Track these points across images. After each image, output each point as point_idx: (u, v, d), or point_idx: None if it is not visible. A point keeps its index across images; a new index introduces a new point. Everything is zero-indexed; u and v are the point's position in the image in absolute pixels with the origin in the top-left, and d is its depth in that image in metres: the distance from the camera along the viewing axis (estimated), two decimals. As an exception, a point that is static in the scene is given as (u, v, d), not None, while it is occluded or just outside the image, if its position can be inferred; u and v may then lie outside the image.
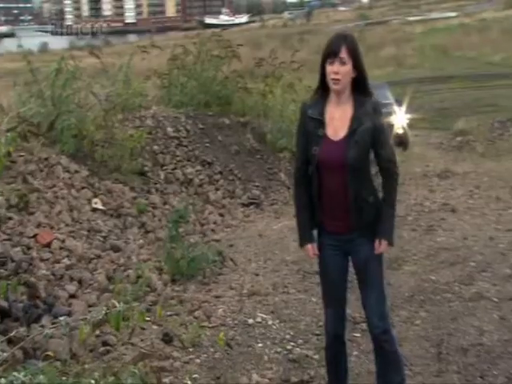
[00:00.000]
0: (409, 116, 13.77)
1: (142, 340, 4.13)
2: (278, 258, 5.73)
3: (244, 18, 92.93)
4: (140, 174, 7.63)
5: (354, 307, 4.51)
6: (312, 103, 2.98)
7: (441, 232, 6.22)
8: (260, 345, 4.03)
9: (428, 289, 4.72)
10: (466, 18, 55.67)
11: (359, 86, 2.90)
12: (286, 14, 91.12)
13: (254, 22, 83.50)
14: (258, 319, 4.36)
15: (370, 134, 2.87)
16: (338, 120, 2.91)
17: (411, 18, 60.73)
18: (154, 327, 4.26)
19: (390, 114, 13.94)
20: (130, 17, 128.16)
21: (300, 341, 4.05)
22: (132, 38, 77.37)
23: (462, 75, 27.10)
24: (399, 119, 13.39)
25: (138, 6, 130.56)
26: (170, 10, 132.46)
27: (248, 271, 5.37)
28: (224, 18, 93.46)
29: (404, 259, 5.36)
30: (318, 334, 4.11)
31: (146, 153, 8.01)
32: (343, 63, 2.82)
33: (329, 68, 2.84)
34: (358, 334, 4.09)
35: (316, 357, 3.81)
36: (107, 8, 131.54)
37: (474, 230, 6.25)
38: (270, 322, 4.32)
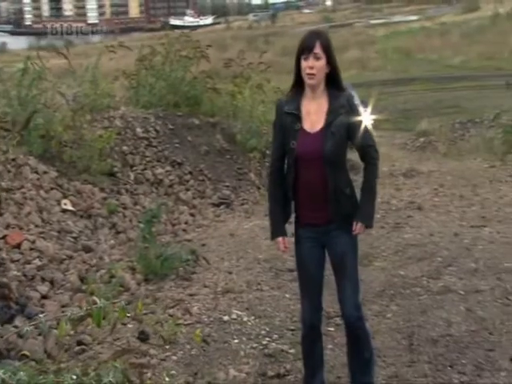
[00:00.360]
0: (374, 117, 13.98)
1: (117, 338, 4.14)
2: (251, 256, 5.79)
3: (209, 20, 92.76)
4: (109, 175, 7.60)
5: (327, 302, 4.57)
6: (288, 99, 3.06)
7: (408, 229, 6.38)
8: (236, 341, 4.08)
9: (398, 283, 4.84)
10: (427, 22, 56.86)
11: (333, 81, 3.01)
12: (250, 16, 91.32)
13: (219, 23, 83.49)
14: (234, 316, 4.41)
15: (346, 126, 2.96)
16: (314, 114, 3.00)
17: (374, 21, 61.70)
18: (130, 326, 4.27)
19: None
20: (92, 17, 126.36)
21: (275, 336, 4.12)
22: (95, 38, 76.39)
23: (424, 77, 27.70)
24: (364, 121, 13.62)
25: (101, 6, 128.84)
26: (134, 10, 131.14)
27: (221, 270, 5.41)
28: (189, 20, 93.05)
29: (374, 256, 5.49)
30: (292, 329, 4.19)
31: (115, 153, 7.98)
32: (317, 58, 2.92)
33: (304, 63, 2.93)
34: (332, 328, 4.18)
35: (292, 351, 3.88)
36: (68, 8, 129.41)
37: (440, 227, 6.43)
38: (245, 319, 4.37)
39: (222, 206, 7.75)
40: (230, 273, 5.33)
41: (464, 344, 3.82)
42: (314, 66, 2.91)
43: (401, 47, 38.62)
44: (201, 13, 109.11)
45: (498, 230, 6.28)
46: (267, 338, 4.08)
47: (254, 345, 4.01)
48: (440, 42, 40.17)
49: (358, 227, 3.01)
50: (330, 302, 4.58)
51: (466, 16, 56.58)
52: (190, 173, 8.18)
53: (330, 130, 2.95)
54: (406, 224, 6.57)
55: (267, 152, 9.25)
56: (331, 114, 2.97)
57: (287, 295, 4.79)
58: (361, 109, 10.86)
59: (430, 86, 25.61)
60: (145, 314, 4.43)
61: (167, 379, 3.59)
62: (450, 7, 70.57)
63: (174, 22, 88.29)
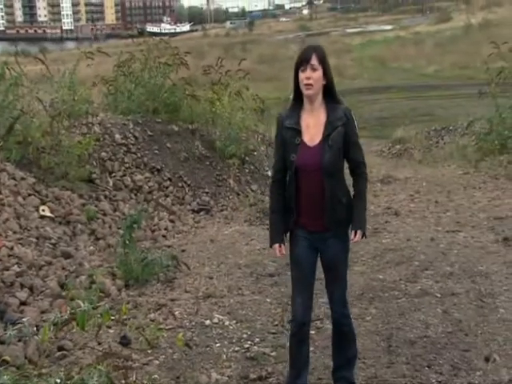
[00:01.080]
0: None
1: (99, 343, 4.14)
2: (231, 261, 5.83)
3: (186, 27, 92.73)
4: (88, 181, 7.57)
5: (307, 306, 4.68)
6: (288, 114, 3.20)
7: (386, 234, 6.49)
8: (218, 344, 4.11)
9: (377, 287, 4.93)
10: (401, 31, 57.74)
11: (330, 93, 3.15)
12: (228, 24, 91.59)
13: (196, 30, 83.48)
14: (215, 320, 4.45)
15: (343, 137, 3.11)
16: (312, 127, 3.14)
17: (350, 30, 62.39)
18: (111, 331, 4.28)
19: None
20: (67, 23, 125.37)
21: (257, 339, 4.16)
22: (70, 44, 75.72)
23: (399, 86, 28.14)
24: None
25: (76, 12, 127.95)
26: (110, 17, 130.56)
27: (202, 275, 5.44)
28: (166, 27, 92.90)
29: (353, 260, 5.56)
30: (274, 333, 4.24)
31: (93, 160, 7.95)
32: (314, 69, 3.06)
33: (301, 75, 3.08)
34: (313, 332, 4.22)
35: (273, 354, 3.93)
36: (42, 14, 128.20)
37: (416, 232, 6.55)
38: (226, 323, 4.41)
39: (201, 213, 7.77)
40: (211, 278, 5.36)
41: (441, 345, 3.91)
42: (311, 77, 3.05)
43: (376, 56, 39.16)
44: (177, 20, 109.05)
45: (472, 235, 6.42)
46: (249, 342, 4.12)
47: (236, 348, 4.04)
48: (414, 52, 40.84)
49: (357, 236, 3.14)
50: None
51: (439, 26, 57.61)
52: (170, 179, 8.19)
53: (328, 142, 3.10)
54: (384, 229, 6.68)
55: (246, 159, 9.33)
56: (329, 126, 3.11)
57: (268, 300, 4.84)
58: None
59: (405, 95, 26.02)
60: (126, 319, 4.45)
61: (150, 383, 3.61)
62: (424, 17, 71.73)
63: (150, 28, 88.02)
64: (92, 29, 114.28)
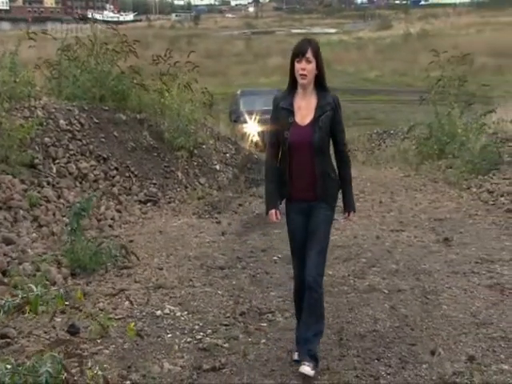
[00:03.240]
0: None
1: (45, 332, 4.02)
2: (181, 253, 5.78)
3: (130, 16, 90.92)
4: (30, 167, 7.30)
5: (259, 299, 4.72)
6: (283, 96, 3.61)
7: (333, 231, 6.52)
8: (169, 335, 4.07)
9: (327, 282, 4.97)
10: (344, 36, 58.83)
11: (321, 82, 3.57)
12: (173, 16, 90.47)
13: (140, 20, 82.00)
14: (166, 311, 4.40)
15: (330, 121, 3.53)
16: (304, 109, 3.55)
17: (295, 31, 62.97)
18: (58, 319, 4.15)
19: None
20: (2, 3, 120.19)
21: (209, 331, 4.14)
22: (5, 25, 72.58)
23: (343, 88, 28.59)
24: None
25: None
26: (49, 0, 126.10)
27: (151, 266, 5.37)
28: (109, 15, 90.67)
29: (302, 255, 5.63)
30: (226, 325, 4.23)
31: (36, 145, 7.66)
32: (309, 62, 3.47)
33: (297, 65, 3.49)
34: (265, 324, 4.26)
35: (226, 345, 3.92)
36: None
37: (363, 230, 6.71)
38: (178, 314, 4.37)
39: (148, 204, 7.66)
40: (161, 269, 5.30)
41: (389, 339, 4.02)
42: (306, 68, 3.47)
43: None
44: (121, 9, 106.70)
45: (414, 235, 6.64)
46: (201, 333, 4.10)
47: (188, 339, 4.01)
48: (357, 56, 41.75)
49: (350, 215, 3.69)
50: (261, 299, 4.73)
51: (380, 33, 59.08)
52: (116, 169, 8.02)
53: (317, 124, 3.51)
54: (332, 226, 6.77)
55: (195, 151, 9.27)
56: (319, 109, 3.52)
57: (219, 292, 4.83)
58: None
59: (348, 97, 26.46)
60: (74, 307, 4.33)
61: (100, 372, 3.52)
62: (366, 24, 73.34)
63: (92, 16, 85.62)
64: (29, 11, 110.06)
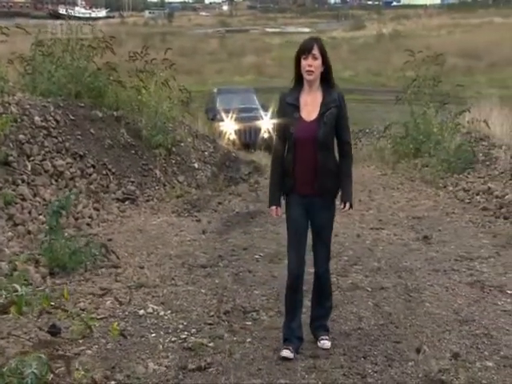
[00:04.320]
0: (273, 121, 14.32)
1: (25, 332, 3.92)
2: (161, 252, 5.71)
3: (102, 13, 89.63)
4: (4, 164, 7.13)
5: (242, 298, 4.69)
6: (289, 92, 3.71)
7: (314, 229, 6.59)
8: (153, 335, 4.01)
9: (310, 280, 4.88)
10: (318, 35, 58.95)
11: (326, 79, 3.67)
12: (146, 13, 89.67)
13: (112, 17, 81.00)
14: (149, 310, 4.34)
15: (335, 117, 3.62)
16: (310, 105, 3.65)
17: (269, 30, 63.04)
18: (38, 321, 4.05)
19: (257, 118, 14.43)
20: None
21: (193, 330, 4.09)
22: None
23: (317, 87, 28.69)
24: (265, 124, 13.88)
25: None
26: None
27: (132, 264, 5.29)
28: (81, 11, 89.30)
29: (283, 254, 5.53)
30: (210, 324, 4.19)
31: (10, 142, 7.48)
32: (315, 58, 3.58)
33: (303, 62, 3.59)
34: (250, 323, 4.23)
35: (211, 345, 3.88)
36: None
37: (343, 228, 6.72)
38: (161, 313, 4.31)
39: (126, 202, 7.55)
40: (142, 267, 5.22)
41: (374, 337, 4.03)
42: (312, 65, 3.57)
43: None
44: (93, 4, 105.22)
45: (394, 233, 6.69)
46: (185, 332, 4.04)
47: (173, 339, 3.96)
48: (331, 56, 41.70)
49: (346, 206, 3.74)
50: (245, 297, 4.70)
51: (353, 33, 59.46)
52: (93, 166, 7.88)
53: (322, 120, 3.61)
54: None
55: (173, 149, 9.18)
56: (324, 106, 3.62)
57: (203, 290, 4.78)
58: (261, 112, 11.27)
59: (323, 97, 26.59)
60: (53, 307, 4.23)
61: (83, 373, 3.45)
62: (339, 23, 73.72)
63: (63, 11, 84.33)
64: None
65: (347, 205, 3.74)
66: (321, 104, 3.61)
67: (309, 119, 3.61)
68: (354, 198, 8.39)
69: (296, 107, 3.62)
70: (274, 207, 3.77)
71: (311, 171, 3.61)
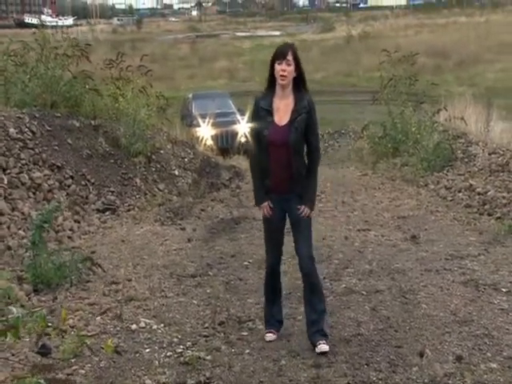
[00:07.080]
0: (249, 125, 14.20)
1: (13, 354, 3.75)
2: (148, 262, 5.56)
3: (69, 21, 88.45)
4: (-21, 178, 6.90)
5: (236, 307, 4.57)
6: (262, 96, 3.89)
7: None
8: (148, 350, 3.87)
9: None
10: (288, 38, 59.09)
11: (299, 84, 3.84)
12: (115, 20, 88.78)
13: (80, 25, 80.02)
14: (142, 324, 4.19)
15: (305, 123, 3.81)
16: (282, 110, 3.84)
17: (240, 34, 62.99)
18: (26, 339, 3.87)
19: (234, 122, 14.31)
20: None
21: (189, 343, 3.96)
22: None
23: (290, 90, 28.71)
24: (242, 128, 13.77)
25: None
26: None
27: (119, 277, 5.13)
28: (47, 19, 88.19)
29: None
30: (206, 336, 4.07)
31: (-16, 155, 7.26)
32: (289, 64, 3.76)
33: (278, 67, 3.76)
34: (246, 333, 4.12)
35: (209, 358, 3.76)
36: None
37: (330, 231, 6.66)
38: (154, 327, 4.17)
39: (107, 212, 7.37)
40: (130, 280, 5.07)
41: (375, 342, 3.95)
42: (286, 70, 3.75)
43: (267, 60, 39.15)
44: (59, 13, 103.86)
45: (381, 234, 6.65)
46: (181, 346, 3.92)
47: (168, 353, 3.82)
48: (302, 58, 41.92)
49: (305, 211, 3.84)
50: (239, 306, 4.58)
51: (323, 35, 59.73)
52: (72, 177, 7.67)
53: (294, 125, 3.79)
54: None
55: (153, 157, 9.01)
56: (295, 112, 3.80)
57: (194, 301, 4.65)
58: (238, 116, 11.15)
59: (297, 99, 26.61)
60: (48, 327, 4.05)
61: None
62: (308, 26, 74.06)
63: (29, 20, 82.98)
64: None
65: (306, 210, 3.83)
66: (292, 110, 3.79)
67: (281, 124, 3.79)
68: (336, 200, 8.42)
69: (269, 112, 3.80)
70: (265, 203, 3.88)
71: (286, 172, 3.78)
